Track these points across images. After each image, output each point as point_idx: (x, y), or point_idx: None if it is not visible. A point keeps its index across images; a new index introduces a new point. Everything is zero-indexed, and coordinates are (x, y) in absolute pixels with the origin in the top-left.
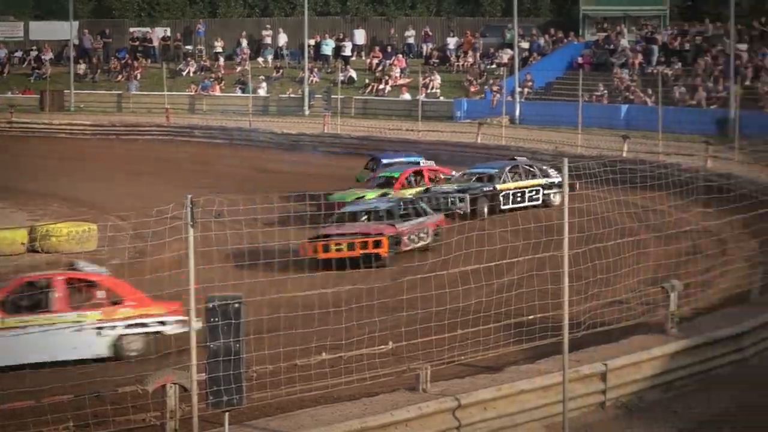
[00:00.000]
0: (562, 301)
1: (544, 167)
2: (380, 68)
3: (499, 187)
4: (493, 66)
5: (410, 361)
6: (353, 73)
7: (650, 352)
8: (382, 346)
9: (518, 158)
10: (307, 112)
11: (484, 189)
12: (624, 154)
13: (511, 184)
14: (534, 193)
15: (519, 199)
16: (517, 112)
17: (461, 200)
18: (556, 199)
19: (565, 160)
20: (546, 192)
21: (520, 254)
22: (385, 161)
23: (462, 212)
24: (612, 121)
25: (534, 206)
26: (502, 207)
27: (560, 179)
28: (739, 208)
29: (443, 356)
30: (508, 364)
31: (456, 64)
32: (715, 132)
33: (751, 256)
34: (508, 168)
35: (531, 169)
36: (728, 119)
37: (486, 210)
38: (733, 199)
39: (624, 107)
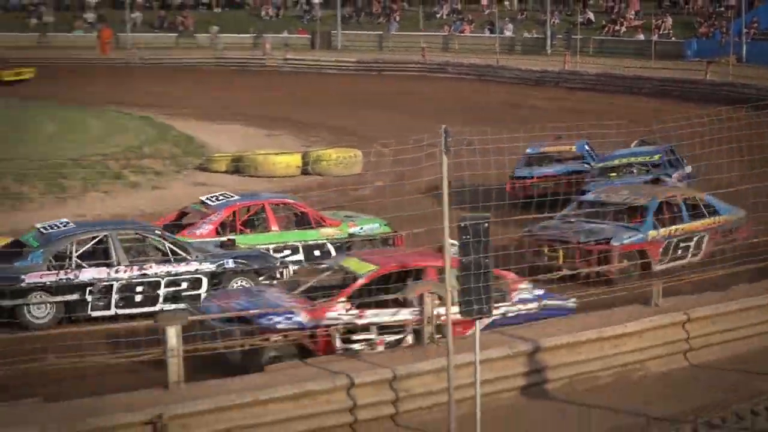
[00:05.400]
0: None
1: None
2: (616, 11)
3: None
4: (722, 8)
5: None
6: (591, 16)
7: None
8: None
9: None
10: (549, 51)
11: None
12: None
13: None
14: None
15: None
16: (744, 52)
17: None
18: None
19: None
20: None
21: None
22: None
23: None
24: None
25: None
26: None
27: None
28: None
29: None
30: (737, 282)
31: (686, 6)
32: None
33: None
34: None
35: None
36: None
37: None
38: None
39: None
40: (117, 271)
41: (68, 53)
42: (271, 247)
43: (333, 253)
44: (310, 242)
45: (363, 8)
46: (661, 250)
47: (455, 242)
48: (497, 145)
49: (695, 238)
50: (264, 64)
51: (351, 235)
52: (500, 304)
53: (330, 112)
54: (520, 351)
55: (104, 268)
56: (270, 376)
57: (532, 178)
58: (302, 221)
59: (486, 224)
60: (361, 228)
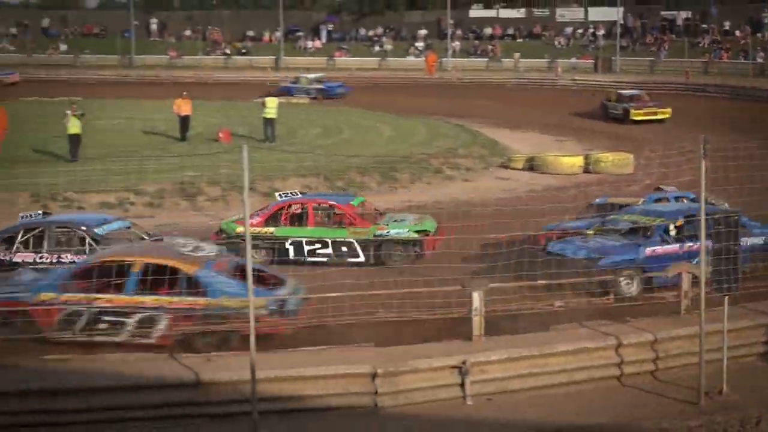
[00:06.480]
0: None
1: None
2: None
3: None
4: None
5: None
6: None
7: None
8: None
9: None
10: None
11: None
12: None
13: None
14: None
15: None
16: None
17: None
18: None
19: None
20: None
21: None
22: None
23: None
24: None
25: None
26: None
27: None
28: None
29: None
30: None
31: None
32: None
33: None
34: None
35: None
36: None
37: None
38: None
39: None
40: (41, 257)
41: (402, 73)
42: (304, 240)
43: (359, 249)
44: (338, 239)
45: (638, 39)
46: (58, 317)
47: None
48: (748, 153)
49: (139, 315)
50: (556, 83)
51: (376, 236)
52: None
53: (608, 123)
54: (762, 323)
55: (32, 253)
56: (552, 334)
57: (552, 231)
58: (337, 221)
59: (736, 217)
60: (388, 231)
